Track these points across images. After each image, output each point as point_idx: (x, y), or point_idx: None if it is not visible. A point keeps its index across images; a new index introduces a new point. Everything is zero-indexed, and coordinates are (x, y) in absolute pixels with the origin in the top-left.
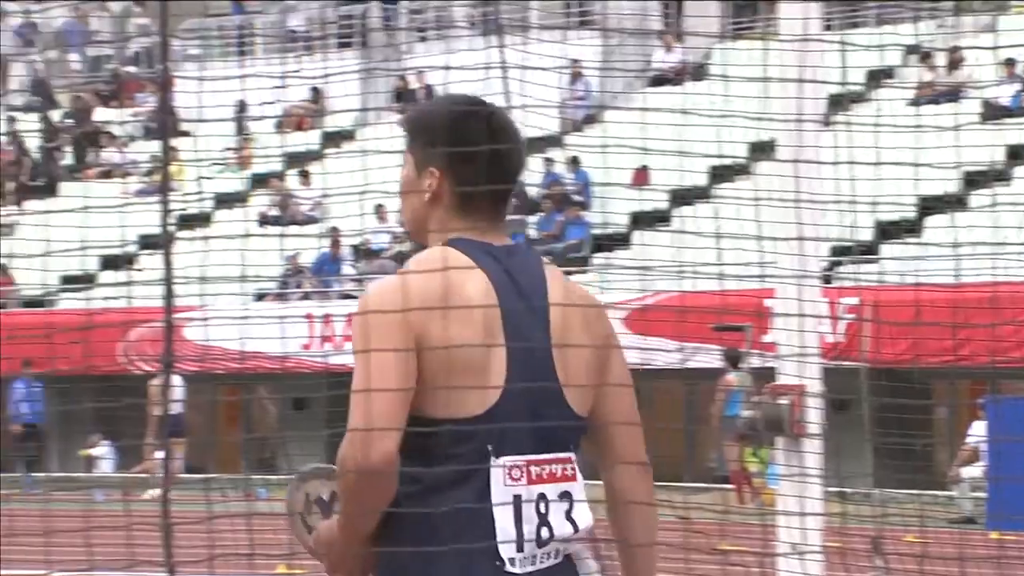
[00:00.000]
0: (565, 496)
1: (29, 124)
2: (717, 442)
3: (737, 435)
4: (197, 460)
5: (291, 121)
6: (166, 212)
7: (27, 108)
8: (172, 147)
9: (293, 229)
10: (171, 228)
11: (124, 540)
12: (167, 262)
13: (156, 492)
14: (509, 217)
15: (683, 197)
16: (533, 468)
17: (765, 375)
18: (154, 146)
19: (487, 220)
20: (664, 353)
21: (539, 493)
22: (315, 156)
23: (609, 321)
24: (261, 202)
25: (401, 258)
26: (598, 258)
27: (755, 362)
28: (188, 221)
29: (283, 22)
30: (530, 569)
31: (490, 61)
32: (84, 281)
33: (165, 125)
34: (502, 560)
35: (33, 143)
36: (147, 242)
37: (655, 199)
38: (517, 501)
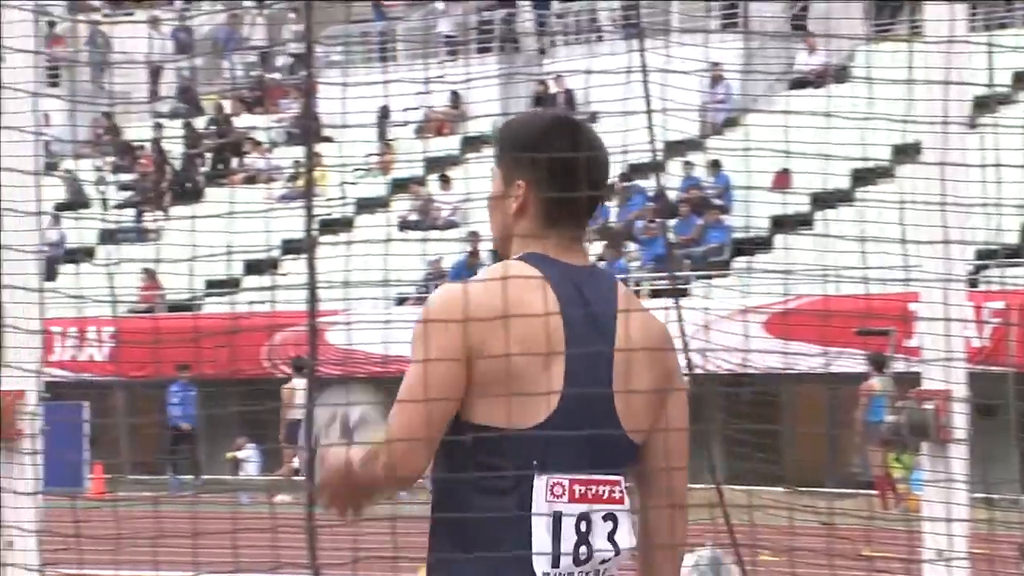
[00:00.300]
0: (609, 518)
1: (176, 131)
2: (861, 447)
3: (881, 440)
4: None
5: (431, 126)
6: (310, 217)
7: (172, 115)
8: (315, 152)
9: (434, 234)
10: (314, 233)
11: (269, 542)
12: (311, 266)
13: (284, 497)
14: (651, 223)
15: (825, 200)
16: (577, 487)
17: (909, 380)
18: (297, 151)
19: (570, 233)
20: (806, 357)
21: (581, 512)
22: (455, 161)
23: (677, 359)
24: (402, 207)
25: None
26: (739, 262)
27: (899, 367)
28: (331, 226)
29: (425, 28)
30: None
31: (631, 64)
32: (229, 285)
33: (309, 131)
34: (534, 573)
35: (178, 149)
36: (291, 247)
37: (797, 202)
38: (557, 517)
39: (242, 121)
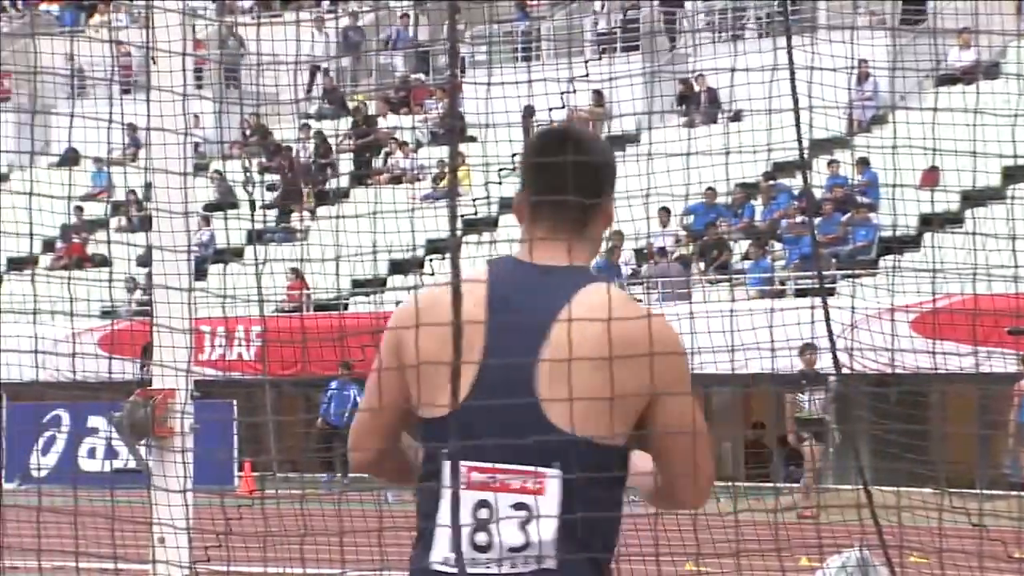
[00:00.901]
0: (520, 507)
1: (324, 131)
2: (1013, 448)
3: None
4: None
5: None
6: (454, 217)
7: (319, 115)
8: (459, 152)
9: None
10: (458, 232)
11: (413, 541)
12: (455, 266)
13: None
14: (800, 222)
15: (976, 198)
16: (476, 475)
17: None
18: (442, 151)
19: (542, 232)
20: (956, 357)
21: (480, 499)
22: None
23: (672, 364)
24: None
25: (683, 261)
26: (887, 260)
27: None
28: (475, 225)
29: (569, 26)
30: (469, 571)
31: (777, 62)
32: (374, 285)
33: (453, 130)
34: (431, 554)
35: (321, 150)
36: (435, 246)
37: (946, 200)
38: (456, 503)
39: (387, 121)
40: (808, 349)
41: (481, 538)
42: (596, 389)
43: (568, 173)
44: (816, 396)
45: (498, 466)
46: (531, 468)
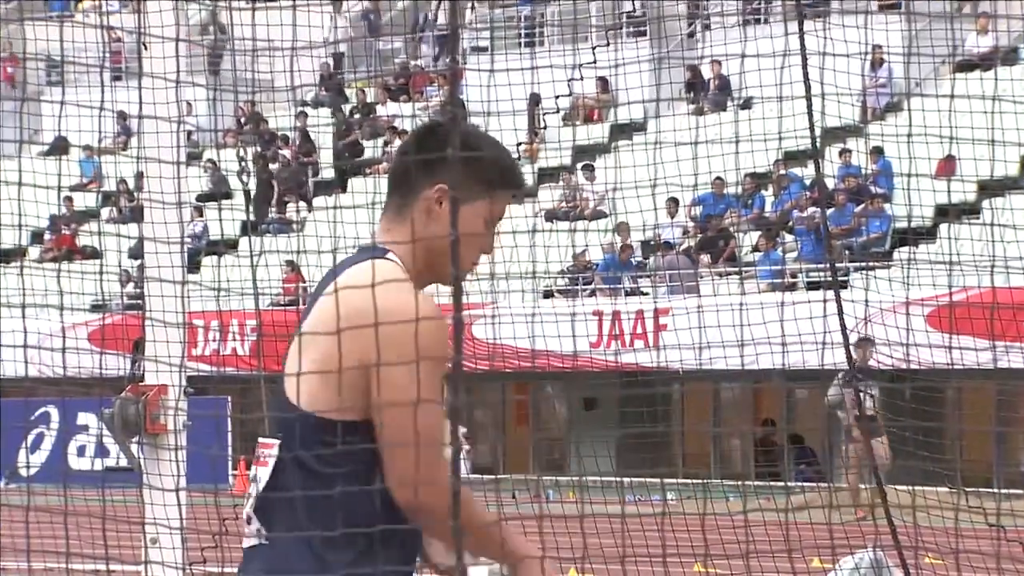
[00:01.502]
0: (256, 479)
1: (320, 119)
2: None
3: None
4: (486, 460)
5: (578, 112)
6: (455, 209)
7: (316, 103)
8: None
9: (580, 224)
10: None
11: None
12: (455, 259)
13: None
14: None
15: (993, 188)
16: (257, 450)
17: None
18: None
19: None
20: (973, 352)
21: (254, 474)
22: (603, 149)
23: (387, 336)
24: (549, 196)
25: (688, 253)
26: (901, 252)
27: None
28: None
29: (573, 11)
30: (246, 545)
31: (789, 48)
32: None
33: (454, 118)
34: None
35: (304, 149)
36: None
37: (963, 190)
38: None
39: (387, 109)
40: (864, 343)
41: (246, 511)
42: (318, 363)
43: (391, 173)
44: (871, 391)
45: (261, 440)
46: (272, 440)
